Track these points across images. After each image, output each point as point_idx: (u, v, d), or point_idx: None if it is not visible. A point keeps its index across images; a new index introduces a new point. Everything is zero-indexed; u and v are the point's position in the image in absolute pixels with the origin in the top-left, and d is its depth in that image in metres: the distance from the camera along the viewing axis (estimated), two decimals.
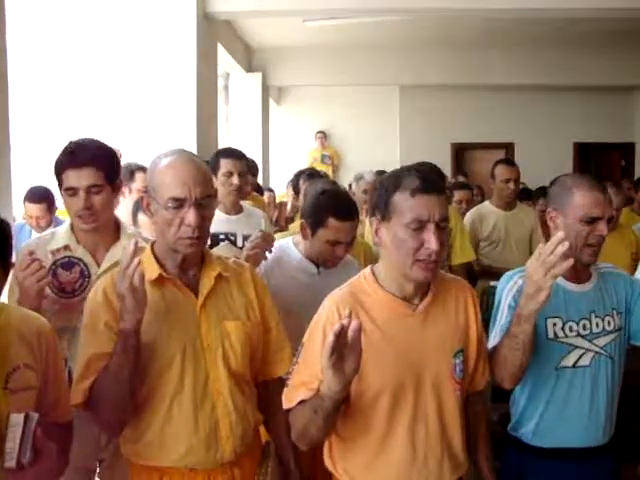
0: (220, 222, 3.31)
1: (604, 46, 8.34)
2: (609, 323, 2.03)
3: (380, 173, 5.61)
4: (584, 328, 2.00)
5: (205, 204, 1.72)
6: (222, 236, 3.40)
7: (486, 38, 8.11)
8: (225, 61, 7.46)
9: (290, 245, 2.58)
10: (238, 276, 1.88)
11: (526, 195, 5.04)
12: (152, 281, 1.73)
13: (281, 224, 3.93)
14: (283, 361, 1.91)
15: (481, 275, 4.10)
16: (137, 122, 5.58)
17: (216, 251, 3.32)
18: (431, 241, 1.57)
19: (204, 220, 1.73)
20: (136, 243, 1.61)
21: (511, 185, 4.17)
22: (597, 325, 2.02)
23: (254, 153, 7.45)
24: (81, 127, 5.45)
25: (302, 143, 10.28)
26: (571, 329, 1.99)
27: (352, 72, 8.64)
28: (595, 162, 9.88)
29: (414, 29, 7.52)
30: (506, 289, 2.03)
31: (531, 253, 4.01)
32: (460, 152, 9.57)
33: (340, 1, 5.24)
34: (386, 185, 1.66)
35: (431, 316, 1.71)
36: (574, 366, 1.99)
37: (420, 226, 1.58)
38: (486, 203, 4.41)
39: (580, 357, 2.00)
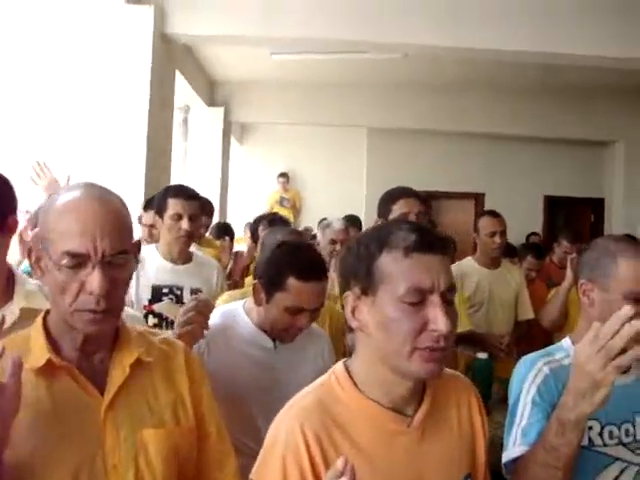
0: (164, 272, 2.86)
1: (578, 100, 8.35)
2: None
3: (352, 220, 5.10)
4: (627, 434, 1.54)
5: (117, 263, 1.19)
6: (166, 289, 2.88)
7: (460, 84, 7.95)
8: (185, 92, 7.01)
9: (240, 311, 2.03)
10: (166, 361, 1.34)
11: (510, 251, 4.60)
12: (38, 369, 1.19)
13: (235, 278, 3.38)
14: (226, 478, 1.37)
15: (461, 342, 3.61)
16: (82, 152, 4.98)
17: (157, 308, 2.85)
18: (438, 319, 1.11)
19: (115, 286, 1.19)
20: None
21: (497, 239, 3.71)
22: None
23: (212, 193, 7.01)
24: (23, 155, 4.83)
25: (263, 184, 9.86)
26: (611, 435, 1.53)
27: (319, 111, 8.32)
28: (565, 217, 9.67)
29: (386, 69, 7.26)
30: (528, 379, 1.56)
31: (516, 318, 3.66)
32: (428, 201, 9.17)
33: (312, 31, 4.79)
34: (367, 243, 1.19)
35: (430, 432, 1.24)
36: None
37: (420, 299, 1.13)
38: (468, 259, 3.93)
39: (621, 473, 1.53)
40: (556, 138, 8.87)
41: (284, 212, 9.05)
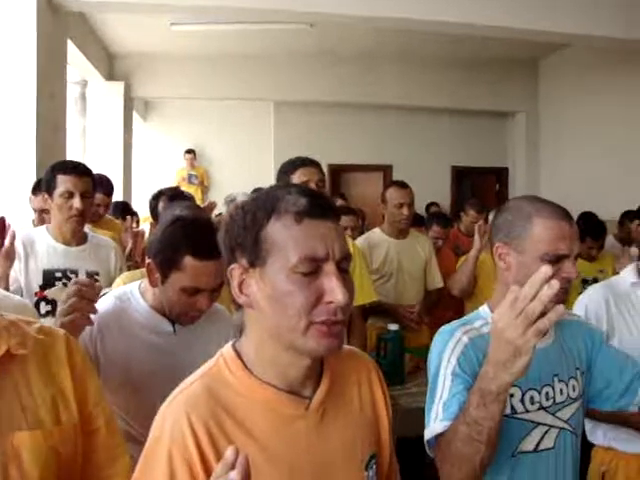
0: (56, 255, 2.68)
1: (482, 72, 8.50)
2: (574, 388, 1.57)
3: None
4: (547, 398, 1.51)
5: None
6: (58, 274, 2.69)
7: (368, 55, 7.96)
8: (81, 65, 6.66)
9: (135, 293, 1.86)
10: (44, 352, 1.20)
11: (418, 221, 4.61)
12: None
13: (136, 259, 3.18)
14: (116, 477, 1.25)
15: (371, 314, 3.58)
16: None
17: (50, 294, 2.66)
18: (335, 290, 1.01)
19: None
20: None
21: (405, 210, 3.67)
22: (561, 392, 1.54)
23: (114, 172, 6.69)
24: None
25: (170, 161, 9.57)
26: (532, 400, 1.50)
27: (224, 85, 8.11)
28: (471, 186, 9.85)
29: (292, 39, 7.11)
30: (447, 350, 1.49)
31: (426, 287, 3.67)
32: (337, 174, 9.17)
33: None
34: (253, 210, 1.07)
35: (330, 413, 1.15)
36: (536, 450, 1.50)
37: (314, 268, 1.02)
38: (376, 230, 3.88)
39: (543, 437, 1.51)
40: (462, 109, 8.98)
41: (192, 189, 8.84)
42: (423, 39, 6.53)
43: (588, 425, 2.09)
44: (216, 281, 1.71)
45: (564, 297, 1.50)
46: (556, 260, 1.46)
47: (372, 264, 3.67)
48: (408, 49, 7.66)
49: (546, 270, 1.10)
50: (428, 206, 8.16)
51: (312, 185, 2.62)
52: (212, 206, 3.66)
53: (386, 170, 9.26)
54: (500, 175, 9.74)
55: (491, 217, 4.17)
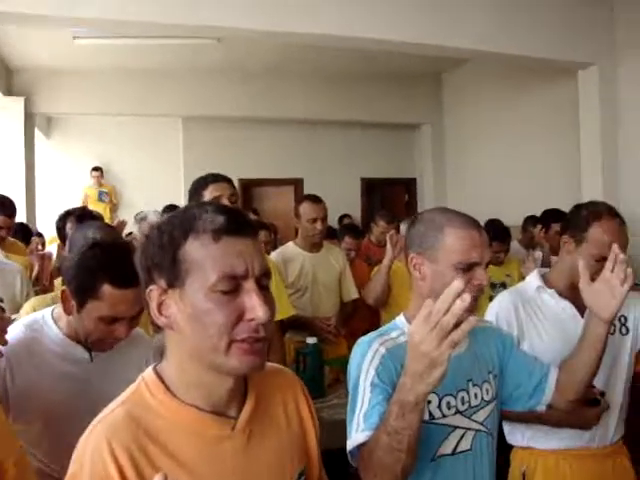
0: None
1: (389, 86, 8.71)
2: (487, 391, 1.63)
3: (171, 209, 4.88)
4: (462, 402, 1.57)
5: None
6: None
7: (276, 70, 7.98)
8: None
9: (48, 320, 1.78)
10: None
11: (330, 233, 4.66)
12: None
13: (43, 282, 3.06)
14: None
15: (288, 328, 3.59)
16: None
17: None
18: (256, 307, 1.01)
19: None
20: None
21: (318, 225, 3.71)
22: (476, 396, 1.60)
23: (16, 192, 6.38)
24: None
25: (76, 180, 9.26)
26: (449, 405, 1.55)
27: (131, 101, 7.94)
28: (381, 197, 10.03)
29: (200, 55, 7.08)
30: (365, 361, 1.51)
31: (342, 299, 3.71)
32: (248, 188, 9.15)
33: (117, 13, 4.36)
34: (169, 229, 1.06)
35: (257, 432, 1.14)
36: (454, 453, 1.55)
37: (234, 286, 1.02)
38: (289, 245, 3.90)
39: (460, 440, 1.56)
40: (370, 122, 9.13)
41: (101, 207, 8.62)
42: (330, 54, 6.60)
43: (507, 428, 2.16)
44: (135, 309, 1.66)
45: (476, 304, 1.56)
46: (468, 268, 1.52)
47: (287, 278, 3.69)
48: (315, 63, 7.74)
49: (458, 284, 1.13)
50: (341, 218, 8.27)
51: (225, 200, 2.61)
52: (123, 225, 3.60)
53: (297, 184, 9.32)
54: (409, 186, 9.97)
55: (402, 227, 4.27)
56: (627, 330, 2.14)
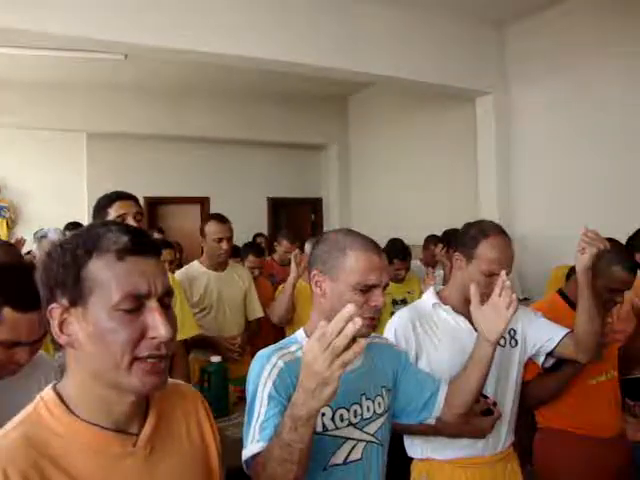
0: None
1: (296, 106, 8.86)
2: (379, 405, 1.72)
3: (75, 228, 4.70)
4: (355, 415, 1.65)
5: None
6: None
7: (184, 88, 7.93)
8: None
9: None
10: None
11: (235, 252, 4.67)
12: None
13: None
14: None
15: (193, 347, 3.58)
16: None
17: None
18: (158, 325, 1.04)
19: None
20: None
21: (224, 244, 3.74)
22: (368, 409, 1.68)
23: None
24: None
25: None
26: (342, 418, 1.62)
27: (33, 114, 7.65)
28: (287, 216, 10.09)
29: (106, 70, 6.91)
30: (263, 374, 1.56)
31: (247, 317, 3.73)
32: (154, 206, 9.00)
33: (21, 22, 4.18)
34: (73, 248, 1.06)
35: (159, 448, 1.16)
36: (345, 462, 1.62)
37: (137, 305, 1.04)
38: (194, 264, 3.90)
39: (352, 450, 1.64)
40: (277, 142, 9.19)
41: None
42: (239, 73, 6.61)
43: (407, 441, 2.25)
44: (38, 333, 1.60)
45: (375, 323, 1.65)
46: (366, 289, 1.60)
47: (192, 297, 3.69)
48: (223, 83, 7.75)
49: (350, 309, 1.18)
50: (255, 237, 8.16)
51: (130, 218, 2.62)
52: (21, 243, 3.48)
53: (203, 202, 9.25)
54: (315, 205, 10.09)
55: (307, 246, 4.34)
56: (516, 342, 2.27)
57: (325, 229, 9.37)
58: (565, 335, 2.22)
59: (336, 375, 1.20)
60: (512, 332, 2.27)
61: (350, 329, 1.17)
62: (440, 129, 7.45)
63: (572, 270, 3.83)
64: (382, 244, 4.58)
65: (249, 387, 1.60)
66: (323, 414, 1.58)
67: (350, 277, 1.61)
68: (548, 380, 2.39)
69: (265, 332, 4.08)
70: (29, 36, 4.51)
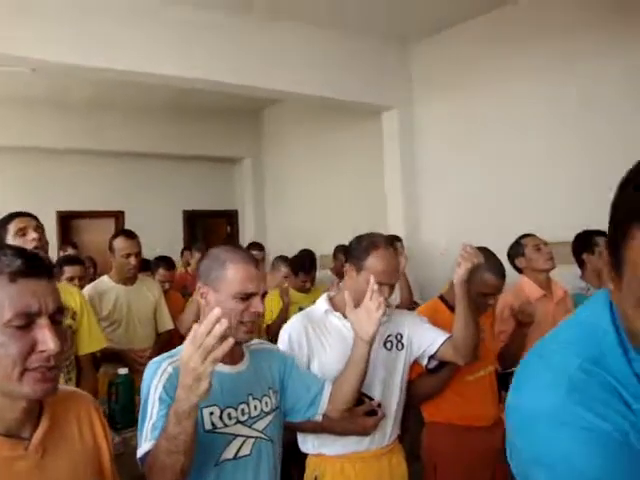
0: None
1: (211, 120, 8.95)
2: (267, 404, 1.89)
3: None
4: (243, 413, 1.81)
5: None
6: None
7: (97, 102, 7.92)
8: None
9: None
10: None
11: (145, 266, 4.73)
12: None
13: None
14: None
15: (103, 360, 3.64)
16: None
17: None
18: (47, 340, 1.16)
19: None
20: None
21: (132, 260, 3.82)
22: (255, 408, 1.85)
23: None
24: None
25: None
26: (230, 416, 1.78)
27: None
28: (203, 229, 10.14)
29: (17, 83, 6.81)
30: (155, 379, 1.70)
31: (157, 329, 3.82)
32: (67, 221, 8.89)
33: None
34: None
35: (51, 450, 1.27)
36: (235, 457, 1.78)
37: (28, 322, 1.16)
38: (104, 278, 3.97)
39: (241, 446, 1.80)
40: (192, 155, 9.28)
41: None
42: (150, 88, 6.65)
43: (300, 437, 2.41)
44: None
45: (255, 327, 1.83)
46: (246, 297, 1.78)
47: (101, 311, 3.75)
48: (136, 97, 7.76)
49: (216, 312, 1.40)
50: (182, 251, 8.02)
51: (30, 231, 2.75)
52: None
53: (118, 216, 9.21)
54: (231, 217, 10.18)
55: None
56: (402, 346, 2.45)
57: (240, 241, 9.47)
58: (446, 339, 2.41)
59: (208, 370, 1.40)
60: (399, 336, 2.45)
61: (217, 329, 1.38)
62: (350, 143, 7.70)
63: None
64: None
65: (143, 391, 1.73)
66: (211, 413, 1.74)
67: (230, 287, 1.78)
68: (430, 379, 2.58)
69: (175, 343, 4.13)
70: None
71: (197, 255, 5.52)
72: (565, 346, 0.94)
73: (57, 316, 1.21)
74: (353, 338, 2.02)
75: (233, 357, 1.85)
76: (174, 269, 5.20)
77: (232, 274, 1.80)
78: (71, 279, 4.34)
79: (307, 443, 2.40)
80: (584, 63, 4.97)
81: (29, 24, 4.50)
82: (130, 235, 3.90)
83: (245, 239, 9.15)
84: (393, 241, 2.43)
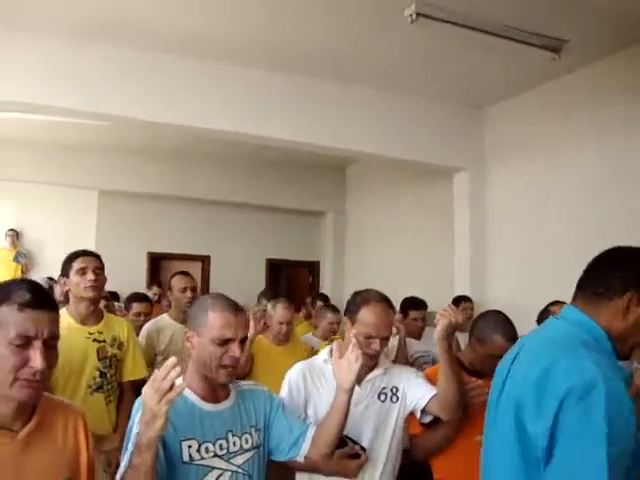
0: None
1: (297, 175, 9.39)
2: (247, 441, 2.06)
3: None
4: (221, 448, 1.99)
5: None
6: None
7: (187, 153, 8.50)
8: None
9: None
10: None
11: None
12: None
13: None
14: None
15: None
16: None
17: None
18: (36, 359, 1.50)
19: None
20: None
21: (188, 294, 4.17)
22: (234, 444, 2.03)
23: None
24: None
25: None
26: (207, 450, 1.97)
27: (49, 170, 8.29)
28: (286, 278, 10.52)
29: (115, 134, 7.48)
30: (138, 414, 1.91)
31: None
32: (157, 262, 9.47)
33: (28, 95, 4.84)
34: None
35: (34, 444, 1.59)
36: None
37: (26, 342, 1.51)
38: (164, 316, 4.35)
39: (218, 478, 1.98)
40: (278, 207, 9.69)
41: (12, 268, 8.85)
42: (239, 143, 7.09)
43: (297, 476, 2.53)
44: None
45: (234, 370, 2.03)
46: (224, 343, 1.98)
47: (159, 345, 4.12)
48: (225, 151, 8.28)
49: (173, 360, 1.64)
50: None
51: (89, 272, 3.15)
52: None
53: (204, 260, 9.70)
54: (312, 268, 10.48)
55: (267, 304, 4.66)
56: (397, 399, 2.56)
57: (321, 290, 9.71)
58: (435, 394, 2.50)
59: (163, 410, 1.62)
60: (394, 389, 2.57)
61: (172, 375, 1.62)
62: (424, 201, 7.93)
63: None
64: None
65: (130, 424, 1.96)
66: (190, 446, 1.93)
67: (210, 332, 1.98)
68: (431, 434, 2.64)
69: None
70: (47, 110, 5.14)
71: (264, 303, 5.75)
72: None
73: (50, 341, 1.55)
74: (336, 387, 2.17)
75: (217, 396, 2.06)
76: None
77: (212, 321, 1.99)
78: (138, 314, 4.75)
79: None
80: None
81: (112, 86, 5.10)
82: (185, 273, 4.30)
83: (326, 289, 9.40)
84: (387, 299, 2.55)
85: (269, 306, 4.39)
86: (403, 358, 4.45)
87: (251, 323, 4.03)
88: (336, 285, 9.31)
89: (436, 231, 7.55)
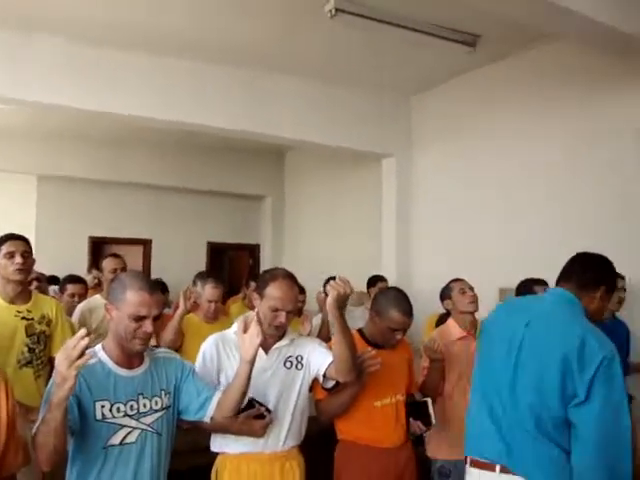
0: None
1: (238, 159, 9.56)
2: (156, 403, 2.30)
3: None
4: (131, 409, 2.22)
5: None
6: None
7: (120, 138, 8.53)
8: None
9: None
10: None
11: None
12: None
13: None
14: None
15: None
16: None
17: None
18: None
19: None
20: None
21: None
22: (144, 405, 2.26)
23: None
24: None
25: None
26: (119, 410, 2.19)
27: None
28: (227, 260, 10.65)
29: (52, 120, 7.48)
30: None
31: None
32: (98, 246, 9.45)
33: None
34: None
35: None
36: (121, 444, 2.20)
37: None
38: (97, 296, 4.53)
39: (127, 435, 2.21)
40: (220, 191, 9.87)
41: None
42: (176, 130, 7.21)
43: (212, 437, 2.76)
44: None
45: (146, 342, 2.26)
46: (139, 319, 2.20)
47: (92, 324, 4.29)
48: (159, 136, 8.32)
49: (82, 332, 1.87)
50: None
51: (18, 255, 3.27)
52: None
53: (146, 244, 9.78)
54: (252, 250, 10.66)
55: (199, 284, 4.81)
56: (302, 366, 2.78)
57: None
58: (332, 360, 2.72)
59: (72, 374, 1.83)
60: (299, 357, 2.78)
61: (81, 344, 1.82)
62: (356, 185, 8.28)
63: (441, 317, 4.39)
64: (307, 285, 5.15)
65: (48, 387, 2.11)
66: (103, 406, 2.16)
67: (127, 308, 2.19)
68: (333, 399, 2.90)
69: None
70: None
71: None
72: None
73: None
74: (240, 358, 2.41)
75: (131, 362, 2.28)
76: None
77: (129, 298, 2.19)
78: (72, 295, 4.90)
79: (215, 442, 2.76)
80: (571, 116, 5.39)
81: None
82: (117, 255, 4.51)
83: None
84: (292, 276, 2.74)
85: (199, 285, 4.54)
86: (325, 335, 4.69)
87: (181, 301, 4.20)
88: (275, 265, 9.51)
89: (367, 214, 7.87)
